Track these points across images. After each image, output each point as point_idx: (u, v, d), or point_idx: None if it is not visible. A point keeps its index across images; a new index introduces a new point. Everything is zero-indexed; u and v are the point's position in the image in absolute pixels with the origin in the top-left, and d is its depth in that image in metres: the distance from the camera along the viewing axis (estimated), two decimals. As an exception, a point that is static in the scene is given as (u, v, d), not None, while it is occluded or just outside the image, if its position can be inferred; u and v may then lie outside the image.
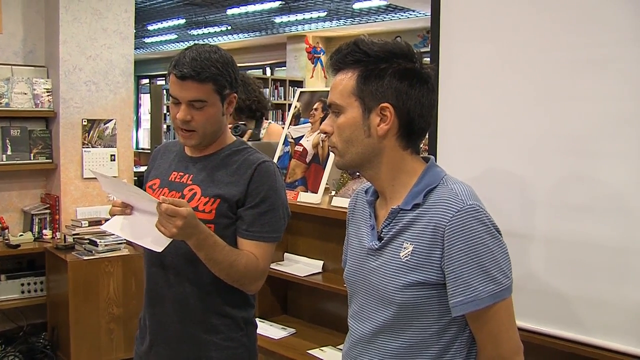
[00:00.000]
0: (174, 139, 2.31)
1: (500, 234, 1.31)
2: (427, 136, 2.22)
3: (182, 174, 1.84)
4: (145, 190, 1.90)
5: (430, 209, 1.31)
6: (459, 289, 1.26)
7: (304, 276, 2.86)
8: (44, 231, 4.20)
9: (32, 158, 4.15)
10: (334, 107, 1.37)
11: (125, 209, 1.72)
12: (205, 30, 11.35)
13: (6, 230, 4.10)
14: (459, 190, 1.31)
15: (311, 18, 9.85)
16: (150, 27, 11.09)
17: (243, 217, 1.75)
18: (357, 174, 2.73)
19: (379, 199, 1.45)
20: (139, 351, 1.92)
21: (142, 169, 6.64)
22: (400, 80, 1.32)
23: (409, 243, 1.32)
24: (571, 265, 1.86)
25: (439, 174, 1.37)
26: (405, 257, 1.31)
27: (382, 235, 1.38)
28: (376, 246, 1.38)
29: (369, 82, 1.32)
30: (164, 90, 10.07)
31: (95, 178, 4.19)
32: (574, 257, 1.85)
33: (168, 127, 10.47)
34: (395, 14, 9.21)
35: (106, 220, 1.82)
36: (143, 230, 1.66)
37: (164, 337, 1.82)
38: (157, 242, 1.65)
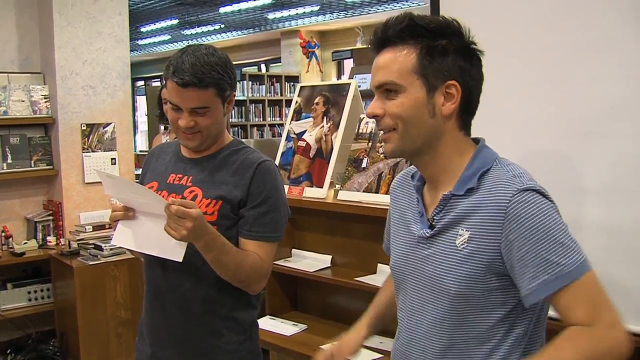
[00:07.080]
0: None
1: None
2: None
3: (180, 175, 1.80)
4: None
5: (487, 193, 1.22)
6: (538, 269, 1.15)
7: (313, 271, 2.85)
8: (48, 238, 4.19)
9: (32, 165, 4.13)
10: (390, 87, 1.25)
11: (128, 212, 1.68)
12: (199, 30, 11.32)
13: (10, 239, 4.08)
14: (516, 171, 1.23)
15: (304, 13, 9.82)
16: (143, 29, 11.05)
17: (245, 217, 1.73)
18: (363, 167, 2.72)
19: (427, 184, 1.36)
20: (141, 358, 1.87)
21: (143, 171, 6.60)
22: (464, 58, 1.25)
23: (465, 230, 1.23)
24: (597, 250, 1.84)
25: (491, 155, 1.29)
26: (462, 244, 1.23)
27: (433, 223, 1.30)
28: (428, 234, 1.30)
29: (434, 59, 1.23)
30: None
31: (98, 182, 4.21)
32: (594, 241, 1.83)
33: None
34: (389, 4, 9.17)
35: (110, 225, 1.78)
36: (154, 239, 1.62)
37: (166, 342, 1.78)
38: (174, 252, 1.60)
